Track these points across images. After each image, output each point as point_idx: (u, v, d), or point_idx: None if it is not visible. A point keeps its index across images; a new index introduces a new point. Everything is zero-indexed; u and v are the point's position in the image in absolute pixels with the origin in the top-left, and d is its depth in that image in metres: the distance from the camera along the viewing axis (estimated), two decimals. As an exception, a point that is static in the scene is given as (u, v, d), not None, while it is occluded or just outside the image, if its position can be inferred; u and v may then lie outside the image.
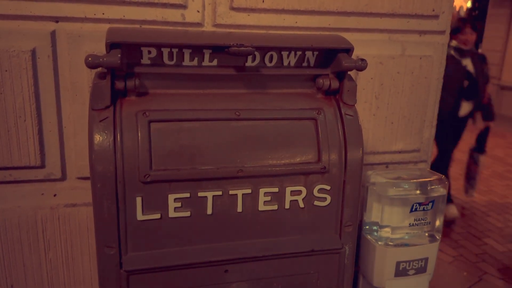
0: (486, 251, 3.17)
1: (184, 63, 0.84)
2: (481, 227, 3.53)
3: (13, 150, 1.03)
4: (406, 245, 1.17)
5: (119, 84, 0.80)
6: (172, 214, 0.81)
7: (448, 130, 3.20)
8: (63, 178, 1.08)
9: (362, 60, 0.87)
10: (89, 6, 0.99)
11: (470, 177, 3.51)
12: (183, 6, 1.05)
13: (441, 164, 3.35)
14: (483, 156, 3.47)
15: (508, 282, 2.84)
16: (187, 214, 0.82)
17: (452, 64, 2.95)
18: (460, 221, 3.48)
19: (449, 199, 3.45)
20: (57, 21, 0.99)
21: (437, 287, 2.60)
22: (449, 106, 3.12)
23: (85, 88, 1.04)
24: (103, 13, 1.00)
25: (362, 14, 1.18)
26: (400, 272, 1.17)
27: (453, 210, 3.48)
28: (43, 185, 1.07)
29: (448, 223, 3.42)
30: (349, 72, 0.90)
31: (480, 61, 3.27)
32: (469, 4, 8.55)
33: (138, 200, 0.79)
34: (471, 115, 3.28)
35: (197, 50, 0.83)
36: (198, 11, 1.06)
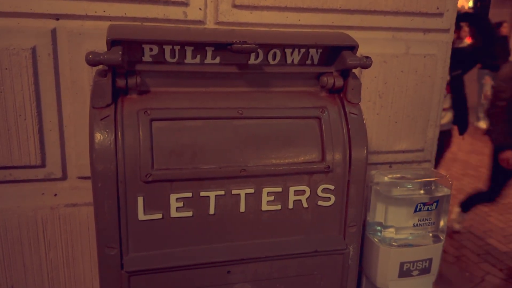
0: (488, 252, 3.16)
1: (186, 61, 0.83)
2: (483, 227, 3.52)
3: (13, 149, 1.02)
4: (410, 245, 1.16)
5: (120, 82, 0.78)
6: (174, 214, 0.80)
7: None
8: (64, 177, 1.07)
9: (367, 57, 0.86)
10: (90, 4, 0.98)
11: None
12: (185, 4, 1.04)
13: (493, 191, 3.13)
14: None
15: (510, 282, 2.82)
16: (189, 214, 0.81)
17: None
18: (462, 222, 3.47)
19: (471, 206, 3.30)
20: (57, 19, 0.98)
21: (439, 287, 2.58)
22: None
23: (86, 86, 1.03)
24: (104, 11, 0.99)
25: (366, 12, 1.16)
26: (404, 272, 1.15)
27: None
28: (43, 184, 1.06)
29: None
30: (353, 70, 0.89)
31: None
32: (470, 4, 8.53)
33: (140, 199, 0.78)
34: None
35: (199, 47, 0.82)
36: (200, 9, 1.05)
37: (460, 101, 2.96)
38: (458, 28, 3.08)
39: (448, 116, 2.97)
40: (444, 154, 3.23)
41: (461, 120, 3.02)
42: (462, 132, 3.05)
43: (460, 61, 2.83)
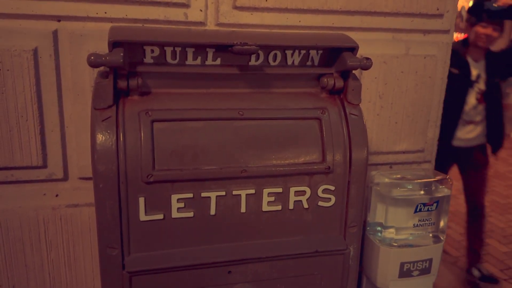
0: (488, 252, 3.16)
1: (187, 62, 0.83)
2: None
3: (15, 150, 1.02)
4: (410, 245, 1.16)
5: (122, 83, 0.79)
6: (175, 214, 0.81)
7: None
8: (65, 178, 1.07)
9: (367, 59, 0.86)
10: (91, 5, 0.99)
11: None
12: (186, 5, 1.04)
13: None
14: None
15: (510, 282, 2.83)
16: (190, 214, 0.81)
17: None
18: (463, 222, 3.47)
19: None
20: (59, 20, 0.99)
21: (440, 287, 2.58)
22: None
23: (87, 87, 1.03)
24: (105, 12, 1.00)
25: (366, 13, 1.17)
26: (404, 273, 1.16)
27: None
28: (44, 185, 1.07)
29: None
30: (353, 71, 0.90)
31: None
32: (471, 4, 8.54)
33: (141, 200, 0.78)
34: None
35: (200, 49, 0.82)
36: (201, 10, 1.05)
37: (495, 113, 2.58)
38: (500, 25, 2.52)
39: (477, 130, 2.59)
40: (480, 187, 2.71)
41: (495, 136, 2.63)
42: (495, 149, 2.67)
43: (499, 65, 2.54)
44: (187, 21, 1.05)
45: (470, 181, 2.74)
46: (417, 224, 1.17)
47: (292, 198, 0.86)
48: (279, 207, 0.86)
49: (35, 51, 0.98)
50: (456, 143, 2.58)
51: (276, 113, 0.87)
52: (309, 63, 0.90)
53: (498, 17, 2.51)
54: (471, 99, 2.52)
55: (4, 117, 1.00)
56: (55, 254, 1.11)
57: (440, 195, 1.17)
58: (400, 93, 1.26)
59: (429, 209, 1.16)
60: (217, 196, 0.82)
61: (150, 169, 0.77)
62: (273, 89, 0.91)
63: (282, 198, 0.86)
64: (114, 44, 0.75)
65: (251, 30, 1.09)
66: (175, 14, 1.04)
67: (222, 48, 0.82)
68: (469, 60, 2.51)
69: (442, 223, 1.20)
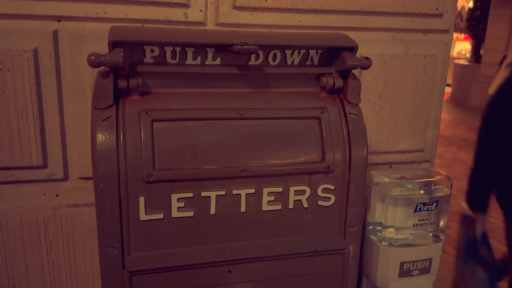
0: (489, 252, 3.15)
1: (187, 62, 0.83)
2: (484, 228, 3.52)
3: (15, 150, 1.02)
4: (410, 245, 1.16)
5: (122, 83, 0.79)
6: (175, 214, 0.81)
7: None
8: (65, 178, 1.08)
9: (367, 58, 0.86)
10: (91, 5, 0.99)
11: None
12: (186, 5, 1.04)
13: None
14: None
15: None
16: (190, 214, 0.82)
17: None
18: (463, 222, 3.47)
19: None
20: (59, 21, 0.99)
21: (439, 287, 2.58)
22: None
23: (87, 88, 1.03)
24: (105, 12, 1.00)
25: (366, 13, 1.17)
26: (404, 272, 1.16)
27: None
28: (45, 185, 1.07)
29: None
30: (352, 71, 0.90)
31: None
32: (471, 4, 8.55)
33: (141, 200, 0.78)
34: None
35: (200, 48, 0.82)
36: (201, 10, 1.06)
37: None
38: None
39: None
40: None
41: None
42: None
43: None
44: (187, 21, 1.05)
45: None
46: (417, 224, 1.17)
47: (292, 197, 0.86)
48: (279, 207, 0.86)
49: (36, 51, 0.98)
50: None
51: (276, 112, 0.87)
52: (308, 62, 0.90)
53: None
54: None
55: (5, 117, 1.00)
56: (55, 254, 1.12)
57: (440, 195, 1.17)
58: (400, 93, 1.26)
59: (429, 209, 1.16)
60: (217, 196, 0.82)
61: (150, 168, 0.78)
62: (272, 89, 0.91)
63: (282, 197, 0.86)
64: (114, 44, 0.75)
65: (251, 30, 1.09)
66: (175, 14, 1.04)
67: (222, 48, 0.82)
68: None
69: (442, 223, 1.20)
